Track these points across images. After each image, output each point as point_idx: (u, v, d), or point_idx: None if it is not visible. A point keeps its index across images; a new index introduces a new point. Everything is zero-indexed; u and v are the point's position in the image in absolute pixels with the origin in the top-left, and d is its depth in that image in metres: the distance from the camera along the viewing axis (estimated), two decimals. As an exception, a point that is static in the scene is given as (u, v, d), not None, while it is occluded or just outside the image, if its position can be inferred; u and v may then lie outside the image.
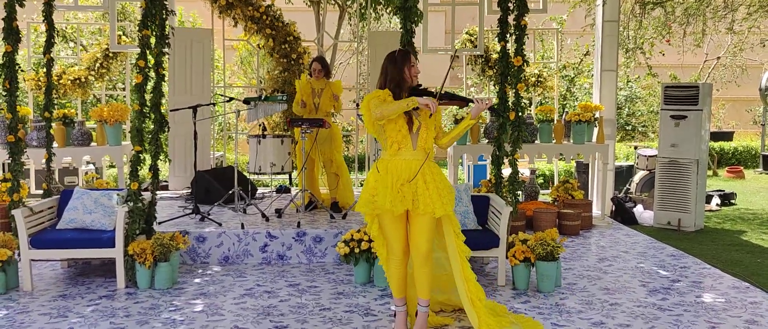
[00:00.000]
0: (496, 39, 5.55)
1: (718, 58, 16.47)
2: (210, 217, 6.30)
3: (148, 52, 5.12)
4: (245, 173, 8.15)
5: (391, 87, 4.00)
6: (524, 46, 5.41)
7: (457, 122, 7.92)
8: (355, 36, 12.73)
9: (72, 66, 9.12)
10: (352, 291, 5.08)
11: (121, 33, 8.62)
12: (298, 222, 6.13)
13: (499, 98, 5.77)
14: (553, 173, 10.37)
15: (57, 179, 8.61)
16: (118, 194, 5.27)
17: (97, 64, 8.49)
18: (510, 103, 5.66)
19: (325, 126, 6.45)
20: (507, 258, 5.21)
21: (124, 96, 9.99)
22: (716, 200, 9.46)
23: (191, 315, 4.51)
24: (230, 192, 6.73)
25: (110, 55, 8.54)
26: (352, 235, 5.30)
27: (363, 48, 10.02)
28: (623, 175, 10.07)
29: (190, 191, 7.99)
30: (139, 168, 5.21)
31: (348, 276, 5.50)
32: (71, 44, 11.23)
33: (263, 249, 5.96)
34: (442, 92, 3.89)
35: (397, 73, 3.99)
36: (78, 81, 8.38)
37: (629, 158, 12.42)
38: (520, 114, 5.55)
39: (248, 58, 12.32)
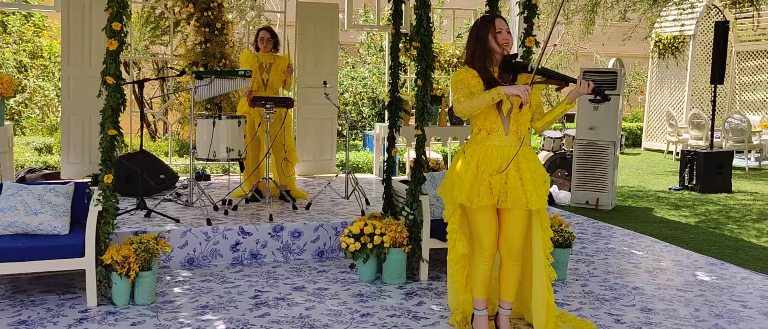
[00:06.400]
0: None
1: (555, 45, 17.74)
2: (163, 213, 5.33)
3: (122, 13, 4.10)
4: (197, 160, 7.02)
5: (477, 65, 3.58)
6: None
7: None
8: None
9: None
10: (371, 292, 4.57)
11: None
12: (270, 216, 5.41)
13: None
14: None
15: None
16: (87, 189, 4.21)
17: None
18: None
19: (292, 105, 5.76)
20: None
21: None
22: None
23: (220, 335, 3.74)
24: (185, 180, 5.75)
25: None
26: (362, 228, 4.77)
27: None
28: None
29: (90, 180, 6.75)
30: (112, 157, 4.19)
31: (343, 274, 4.96)
32: None
33: (235, 247, 5.17)
34: (539, 68, 3.54)
35: (480, 46, 3.58)
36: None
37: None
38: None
39: (138, 22, 10.53)
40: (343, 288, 4.65)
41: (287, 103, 5.69)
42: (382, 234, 4.74)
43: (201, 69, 6.84)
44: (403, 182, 5.46)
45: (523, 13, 5.17)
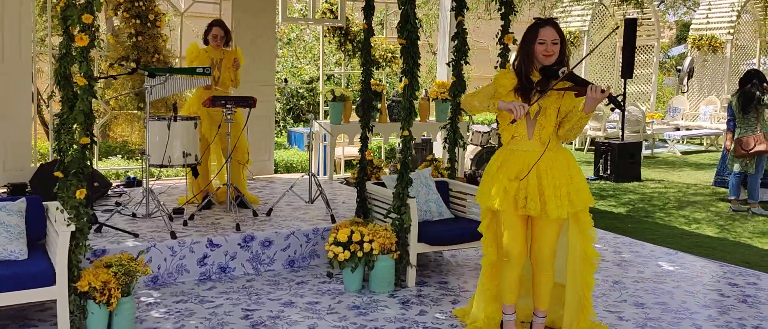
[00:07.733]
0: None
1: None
2: (117, 227, 4.78)
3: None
4: (151, 166, 6.34)
5: (519, 68, 3.48)
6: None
7: None
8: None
9: None
10: (365, 303, 4.34)
11: None
12: (237, 225, 5.00)
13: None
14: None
15: None
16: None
17: None
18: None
19: (254, 105, 5.34)
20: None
21: None
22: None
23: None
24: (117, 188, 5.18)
25: None
26: (350, 236, 4.50)
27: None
28: (427, 149, 10.40)
29: (5, 191, 5.98)
30: (85, 169, 3.66)
31: (324, 284, 4.69)
32: None
33: (202, 261, 4.74)
34: (568, 73, 3.44)
35: (524, 53, 3.48)
36: None
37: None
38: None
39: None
40: (333, 300, 4.38)
41: (249, 102, 5.28)
42: (371, 241, 4.50)
43: (132, 64, 6.22)
44: (377, 183, 5.25)
45: (500, 9, 5.12)
